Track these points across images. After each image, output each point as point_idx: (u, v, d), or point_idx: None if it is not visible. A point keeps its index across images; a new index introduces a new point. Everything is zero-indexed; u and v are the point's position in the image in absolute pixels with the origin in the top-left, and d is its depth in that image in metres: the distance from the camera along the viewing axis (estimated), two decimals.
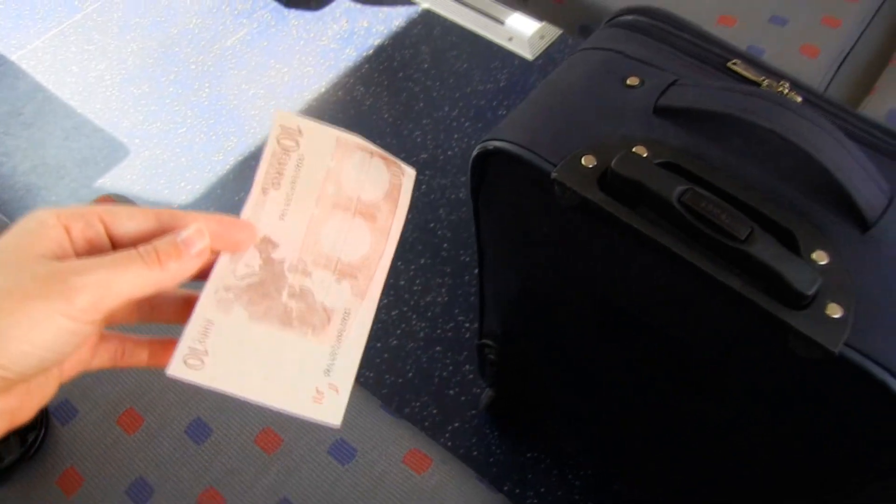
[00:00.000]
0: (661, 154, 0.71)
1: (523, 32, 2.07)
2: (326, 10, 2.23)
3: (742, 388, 0.78)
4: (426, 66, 2.06)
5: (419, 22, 2.15)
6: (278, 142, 0.51)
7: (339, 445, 0.78)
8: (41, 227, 0.43)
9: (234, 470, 0.78)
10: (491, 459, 1.43)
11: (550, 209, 0.77)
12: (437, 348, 1.57)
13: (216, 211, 1.79)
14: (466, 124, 1.92)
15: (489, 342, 1.19)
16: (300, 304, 0.51)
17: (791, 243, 0.66)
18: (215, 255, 0.48)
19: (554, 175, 0.72)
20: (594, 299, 0.85)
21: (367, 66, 2.08)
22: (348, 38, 2.15)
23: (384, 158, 0.54)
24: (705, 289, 0.68)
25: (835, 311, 0.63)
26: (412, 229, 1.74)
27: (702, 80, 0.78)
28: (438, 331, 1.59)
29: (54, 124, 2.06)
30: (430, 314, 1.62)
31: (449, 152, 1.87)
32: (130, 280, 0.42)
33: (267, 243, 0.50)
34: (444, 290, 1.65)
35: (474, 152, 0.80)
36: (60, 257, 0.42)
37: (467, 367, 1.54)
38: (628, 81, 0.79)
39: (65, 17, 2.31)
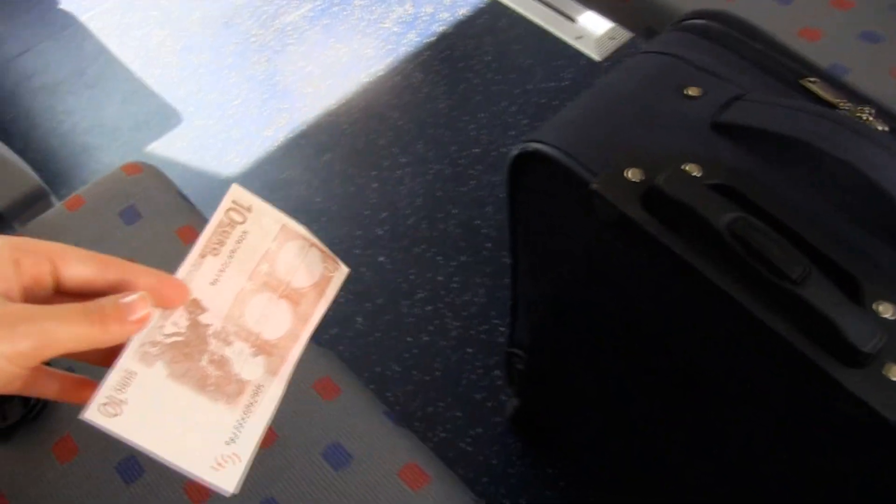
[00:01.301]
0: (715, 174, 0.65)
1: (593, 32, 2.00)
2: None
3: (778, 430, 0.71)
4: (488, 58, 2.00)
5: (486, 12, 2.08)
6: (226, 213, 0.53)
7: (334, 449, 0.74)
8: None
9: None
10: (510, 470, 1.37)
11: (587, 222, 0.71)
12: (469, 349, 1.52)
13: (260, 187, 1.76)
14: (524, 122, 1.86)
15: (518, 351, 1.14)
16: (218, 371, 0.52)
17: (853, 290, 0.59)
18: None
19: (593, 186, 0.66)
20: (625, 321, 0.79)
21: (427, 52, 2.02)
22: (411, 22, 2.09)
23: (322, 252, 0.56)
24: (748, 329, 0.61)
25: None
26: (456, 225, 1.68)
27: (769, 97, 0.71)
28: (472, 332, 1.54)
29: (114, 87, 2.05)
30: (465, 314, 1.56)
31: (503, 149, 1.81)
32: (72, 335, 0.44)
33: (196, 306, 0.52)
34: (482, 290, 1.59)
35: (512, 153, 0.75)
36: (4, 291, 0.44)
37: (497, 372, 1.48)
38: (687, 91, 0.73)
39: None
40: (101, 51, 2.14)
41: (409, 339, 1.54)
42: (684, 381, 0.78)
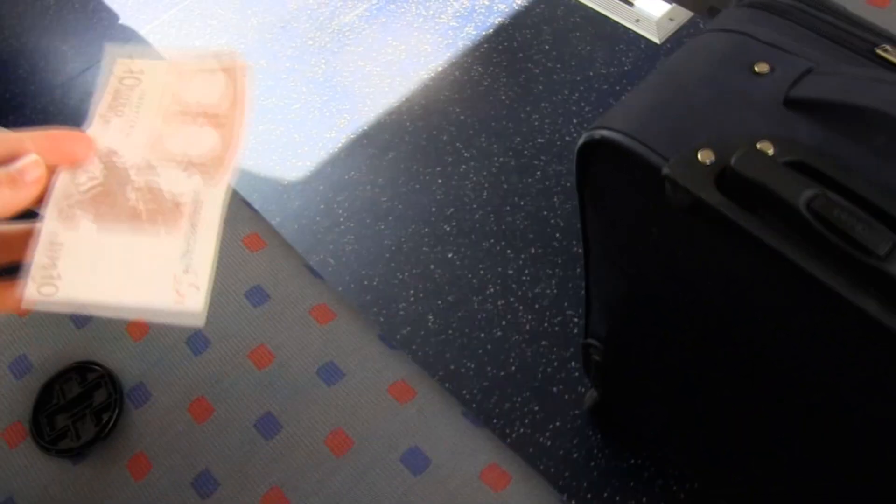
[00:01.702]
0: (790, 152, 0.62)
1: (652, 14, 1.96)
2: None
3: (864, 418, 0.68)
4: (547, 47, 1.97)
5: (542, 1, 2.06)
6: (119, 81, 0.52)
7: (412, 453, 0.73)
8: None
9: (302, 470, 0.75)
10: (592, 463, 1.35)
11: (660, 209, 0.69)
12: (543, 342, 1.50)
13: (325, 189, 1.77)
14: (587, 109, 1.83)
15: (594, 342, 1.12)
16: (149, 201, 0.49)
17: None
18: (53, 174, 0.47)
19: (665, 171, 0.64)
20: (702, 311, 0.77)
21: (485, 45, 2.01)
22: (468, 16, 2.08)
23: (218, 62, 0.54)
24: (833, 311, 0.59)
25: None
26: (524, 217, 1.67)
27: (842, 69, 0.68)
28: (545, 324, 1.52)
29: None
30: (537, 306, 1.55)
31: (567, 138, 1.79)
32: None
33: (110, 154, 0.49)
34: (554, 282, 1.58)
35: (580, 142, 0.73)
36: None
37: (573, 363, 1.47)
38: (756, 68, 0.70)
39: None
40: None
41: (482, 335, 1.53)
42: (762, 372, 0.76)
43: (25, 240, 0.46)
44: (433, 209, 1.72)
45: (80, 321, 0.84)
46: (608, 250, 0.87)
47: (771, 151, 0.62)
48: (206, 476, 0.74)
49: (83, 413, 0.79)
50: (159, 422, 0.78)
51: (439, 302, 1.58)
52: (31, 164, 0.45)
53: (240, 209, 0.93)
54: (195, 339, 0.81)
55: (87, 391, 0.78)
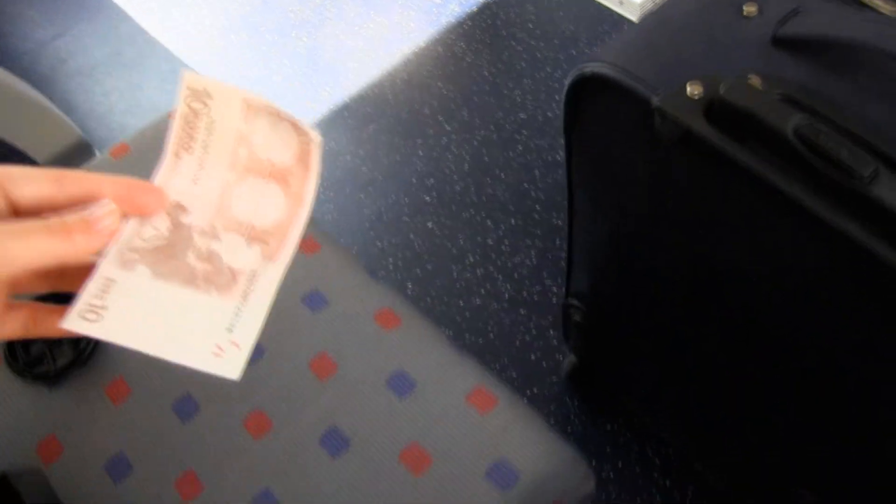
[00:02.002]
0: (777, 87, 0.63)
1: None
2: None
3: (849, 357, 0.69)
4: (531, 25, 1.98)
5: None
6: (188, 105, 0.50)
7: (398, 377, 0.73)
8: None
9: (285, 394, 0.75)
10: (568, 429, 1.36)
11: (648, 145, 0.70)
12: (522, 311, 1.51)
13: None
14: None
15: (575, 302, 1.13)
16: (206, 265, 0.50)
17: None
18: (123, 219, 0.47)
19: (655, 103, 0.65)
20: (689, 251, 0.77)
21: (469, 22, 2.01)
22: None
23: (291, 122, 0.52)
24: (818, 238, 0.60)
25: None
26: (504, 189, 1.67)
27: (828, 8, 0.69)
28: (524, 293, 1.53)
29: (153, 67, 2.07)
30: (516, 276, 1.56)
31: (549, 113, 1.80)
32: (33, 249, 0.42)
33: (178, 208, 0.50)
34: (533, 252, 1.58)
35: (569, 79, 0.74)
36: None
37: (551, 332, 1.48)
38: (745, 10, 0.71)
39: None
40: (139, 32, 2.15)
41: (461, 302, 1.54)
42: (749, 321, 0.77)
43: (83, 274, 0.47)
44: (413, 180, 1.73)
45: None
46: (593, 197, 0.87)
47: (759, 86, 0.63)
48: (187, 399, 0.74)
49: (59, 338, 0.78)
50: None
51: (418, 270, 1.58)
52: (107, 214, 0.46)
53: None
54: None
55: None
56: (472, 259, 1.59)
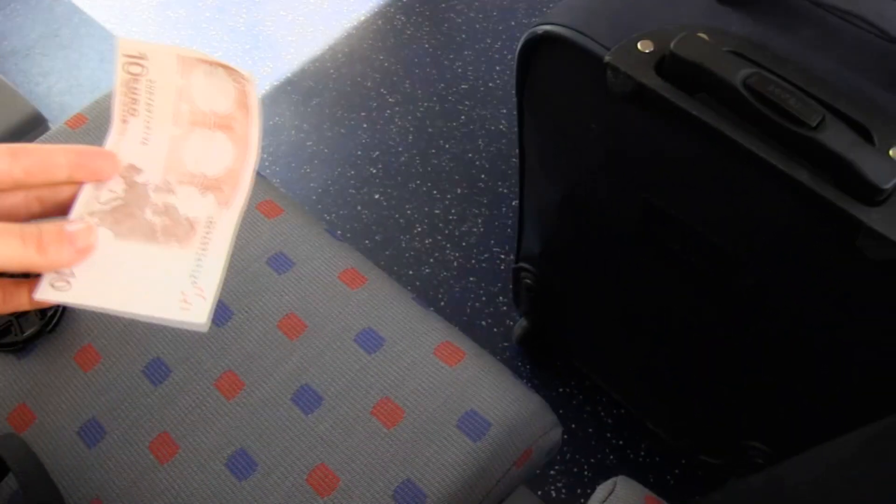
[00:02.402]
0: (725, 42, 0.66)
1: None
2: None
3: (796, 299, 0.73)
4: None
5: None
6: (126, 71, 0.53)
7: (365, 334, 0.75)
8: None
9: (255, 354, 0.76)
10: None
11: (600, 102, 0.72)
12: (471, 279, 1.53)
13: None
14: (509, 57, 1.86)
15: (526, 265, 1.15)
16: (165, 219, 0.52)
17: (866, 139, 0.60)
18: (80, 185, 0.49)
19: (607, 59, 0.67)
20: (640, 205, 0.80)
21: None
22: None
23: (225, 68, 0.54)
24: (766, 185, 0.63)
25: None
26: (449, 159, 1.69)
27: None
28: (473, 261, 1.55)
29: (90, 46, 2.03)
30: (464, 244, 1.58)
31: (490, 84, 1.82)
32: (5, 255, 0.43)
33: (131, 169, 0.52)
34: (480, 220, 1.60)
35: (521, 41, 0.76)
36: None
37: (501, 298, 1.50)
38: None
39: None
40: (74, 11, 2.11)
41: (410, 272, 1.55)
42: (700, 265, 0.80)
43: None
44: (359, 152, 1.73)
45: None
46: (545, 158, 0.89)
47: (708, 40, 0.65)
48: (157, 363, 0.75)
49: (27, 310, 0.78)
50: (107, 315, 0.77)
51: (367, 241, 1.59)
52: (83, 231, 0.48)
53: None
54: None
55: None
56: (420, 229, 1.60)
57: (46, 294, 0.47)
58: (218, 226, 0.54)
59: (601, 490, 0.68)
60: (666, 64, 0.65)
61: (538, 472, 1.27)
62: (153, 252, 0.52)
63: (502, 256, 1.55)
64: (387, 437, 0.69)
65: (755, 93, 0.60)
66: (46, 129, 1.04)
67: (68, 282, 0.48)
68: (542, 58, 0.76)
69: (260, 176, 0.87)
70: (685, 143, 0.68)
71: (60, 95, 1.93)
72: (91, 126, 0.90)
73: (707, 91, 0.64)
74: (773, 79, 0.61)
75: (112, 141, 0.52)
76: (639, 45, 0.67)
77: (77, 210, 0.50)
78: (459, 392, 0.71)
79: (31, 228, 0.44)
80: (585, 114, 0.77)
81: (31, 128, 1.02)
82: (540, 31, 0.73)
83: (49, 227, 0.45)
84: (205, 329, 0.50)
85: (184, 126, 0.54)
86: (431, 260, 1.56)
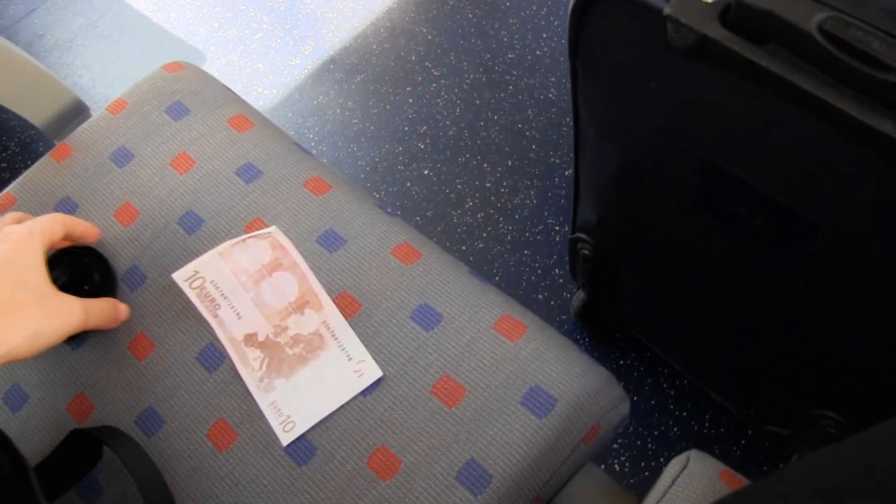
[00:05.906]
0: None
1: None
2: None
3: (872, 264, 0.68)
4: None
5: None
6: (191, 288, 0.72)
7: (422, 311, 0.72)
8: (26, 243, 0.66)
9: None
10: None
11: (660, 59, 0.68)
12: (526, 252, 1.50)
13: (294, 115, 1.73)
14: (556, 23, 1.81)
15: (583, 236, 1.11)
16: (299, 346, 0.71)
17: None
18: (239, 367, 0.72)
19: (667, 11, 0.63)
20: (703, 168, 0.76)
21: None
22: None
23: (251, 236, 0.74)
24: (844, 141, 0.58)
25: None
26: (498, 131, 1.65)
27: None
28: (527, 234, 1.52)
29: (131, 35, 2.02)
30: (517, 217, 1.54)
31: (537, 52, 1.77)
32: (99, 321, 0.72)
33: (249, 338, 0.71)
34: (532, 192, 1.57)
35: (572, 1, 0.72)
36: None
37: (557, 271, 1.47)
38: None
39: None
40: (112, 1, 2.10)
41: (463, 247, 1.52)
42: (765, 233, 0.76)
43: None
44: (406, 128, 1.70)
45: (69, 208, 0.82)
46: (601, 122, 0.86)
47: None
48: (210, 349, 0.73)
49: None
50: (157, 302, 0.75)
51: (418, 218, 1.57)
52: (124, 309, 0.75)
53: (224, 94, 0.90)
54: (187, 219, 0.79)
55: (77, 276, 0.75)
56: (471, 203, 1.57)
57: (285, 439, 0.67)
58: (331, 320, 0.71)
59: (674, 465, 0.65)
60: (731, 13, 0.61)
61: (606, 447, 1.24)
62: (315, 367, 0.69)
63: (557, 228, 1.52)
64: (448, 417, 0.66)
65: (833, 38, 0.56)
66: (88, 115, 1.03)
67: (293, 422, 0.68)
68: (595, 16, 0.72)
69: (304, 152, 0.84)
70: (753, 99, 0.64)
71: (106, 87, 1.92)
72: (133, 110, 0.88)
73: (777, 40, 0.59)
74: (853, 21, 0.56)
75: (219, 331, 0.71)
76: None
77: (250, 385, 0.69)
78: (522, 368, 0.68)
79: (107, 304, 0.73)
80: (644, 73, 0.73)
81: (73, 115, 1.01)
82: None
83: (107, 307, 0.73)
84: (381, 375, 0.69)
85: (251, 288, 0.71)
86: (484, 234, 1.53)
